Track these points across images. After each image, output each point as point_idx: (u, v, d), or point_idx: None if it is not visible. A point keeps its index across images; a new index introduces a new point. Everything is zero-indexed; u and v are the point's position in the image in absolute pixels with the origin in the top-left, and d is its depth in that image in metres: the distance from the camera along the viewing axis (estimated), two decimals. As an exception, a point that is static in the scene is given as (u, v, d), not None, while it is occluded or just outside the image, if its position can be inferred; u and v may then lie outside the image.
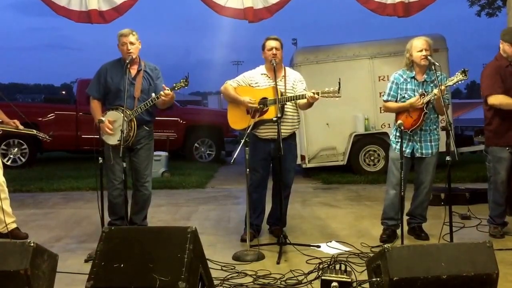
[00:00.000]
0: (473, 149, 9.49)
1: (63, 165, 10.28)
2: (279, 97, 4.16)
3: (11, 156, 9.78)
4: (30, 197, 6.99)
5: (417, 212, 4.45)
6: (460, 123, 20.67)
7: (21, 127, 4.55)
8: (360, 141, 8.54)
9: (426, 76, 4.25)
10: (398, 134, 4.26)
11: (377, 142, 8.53)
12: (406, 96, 4.27)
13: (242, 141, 3.97)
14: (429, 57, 4.09)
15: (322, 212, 5.80)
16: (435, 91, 4.02)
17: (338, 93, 4.02)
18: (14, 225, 4.50)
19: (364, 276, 3.13)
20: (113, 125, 4.17)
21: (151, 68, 4.41)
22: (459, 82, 4.03)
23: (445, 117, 3.90)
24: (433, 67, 4.11)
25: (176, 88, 4.15)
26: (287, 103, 4.31)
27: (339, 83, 4.00)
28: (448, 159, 3.70)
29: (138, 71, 4.33)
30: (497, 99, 4.24)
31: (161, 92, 4.13)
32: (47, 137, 4.64)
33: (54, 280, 2.77)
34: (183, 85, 4.13)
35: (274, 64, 4.23)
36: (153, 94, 4.17)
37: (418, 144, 4.28)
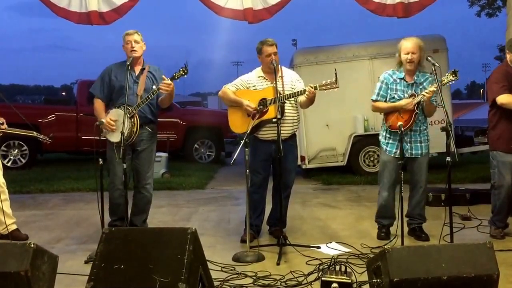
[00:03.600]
0: (473, 149, 9.50)
1: (63, 166, 10.29)
2: (278, 96, 4.15)
3: (11, 157, 9.79)
4: (30, 198, 6.99)
5: (416, 212, 4.45)
6: (460, 124, 20.70)
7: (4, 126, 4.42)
8: (360, 142, 8.54)
9: (416, 78, 4.26)
10: (388, 135, 4.31)
11: (377, 143, 8.39)
12: (396, 96, 4.29)
13: (242, 142, 3.97)
14: (429, 58, 4.07)
15: (322, 213, 5.80)
16: (425, 91, 4.06)
17: (336, 84, 4.01)
18: (14, 226, 4.50)
19: (364, 277, 3.13)
20: (116, 122, 4.19)
21: (155, 69, 4.47)
22: (450, 83, 4.04)
23: (445, 117, 3.89)
24: (433, 67, 4.11)
25: (176, 78, 4.14)
26: (287, 103, 4.30)
27: (336, 74, 3.98)
28: (448, 159, 3.70)
29: (142, 70, 4.37)
30: (506, 98, 4.17)
31: (161, 83, 4.13)
32: (48, 139, 4.64)
33: (54, 281, 2.77)
34: (183, 73, 4.12)
35: (274, 65, 4.22)
36: (154, 86, 4.19)
37: (408, 144, 4.29)
